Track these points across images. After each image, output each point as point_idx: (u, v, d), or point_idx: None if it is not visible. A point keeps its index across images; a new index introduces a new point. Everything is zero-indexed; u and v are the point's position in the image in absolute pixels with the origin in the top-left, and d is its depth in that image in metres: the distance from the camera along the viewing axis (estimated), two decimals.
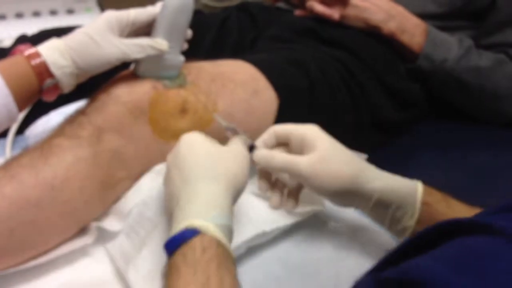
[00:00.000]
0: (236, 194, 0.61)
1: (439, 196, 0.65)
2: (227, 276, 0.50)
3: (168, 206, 0.60)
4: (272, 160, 0.65)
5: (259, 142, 0.68)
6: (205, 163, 0.59)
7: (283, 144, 0.68)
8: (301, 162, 0.63)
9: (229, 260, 0.52)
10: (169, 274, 0.50)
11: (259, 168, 0.70)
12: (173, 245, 0.52)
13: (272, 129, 0.68)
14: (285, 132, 0.67)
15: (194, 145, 0.62)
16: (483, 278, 0.36)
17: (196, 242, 0.51)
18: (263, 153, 0.66)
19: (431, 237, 0.43)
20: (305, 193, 0.70)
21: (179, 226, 0.53)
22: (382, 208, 0.65)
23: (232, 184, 0.59)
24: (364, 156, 0.82)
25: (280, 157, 0.65)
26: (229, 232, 0.55)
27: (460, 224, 0.42)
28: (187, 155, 0.60)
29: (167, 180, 0.61)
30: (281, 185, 0.70)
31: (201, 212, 0.54)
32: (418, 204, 0.63)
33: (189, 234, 0.52)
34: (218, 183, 0.58)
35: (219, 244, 0.52)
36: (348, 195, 0.65)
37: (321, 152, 0.64)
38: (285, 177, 0.69)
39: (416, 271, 0.38)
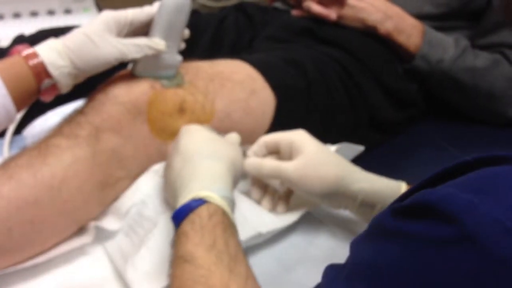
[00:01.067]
0: (235, 179, 0.63)
1: None
2: (232, 239, 0.52)
3: (170, 191, 0.61)
4: (261, 168, 0.69)
5: (250, 152, 0.71)
6: (206, 144, 0.63)
7: (274, 152, 0.72)
8: (288, 167, 0.67)
9: (233, 227, 0.54)
10: (177, 241, 0.52)
11: (251, 177, 0.73)
12: (181, 215, 0.54)
13: (262, 140, 0.72)
14: (274, 140, 0.71)
15: (194, 131, 0.65)
16: (497, 194, 0.36)
17: (202, 209, 0.53)
18: (253, 161, 0.70)
19: (449, 174, 0.44)
20: (298, 195, 0.72)
21: (185, 199, 0.55)
22: (368, 208, 0.67)
23: (232, 166, 0.62)
24: (361, 148, 0.83)
25: (269, 164, 0.68)
26: (232, 204, 0.57)
27: (479, 159, 0.42)
28: (188, 139, 0.63)
29: (168, 168, 0.64)
30: (272, 191, 0.74)
31: (205, 185, 0.56)
32: None
33: (196, 203, 0.54)
34: (220, 162, 0.61)
35: (223, 212, 0.54)
36: (335, 196, 0.68)
37: (307, 156, 0.67)
38: (275, 183, 0.73)
39: (428, 195, 0.39)
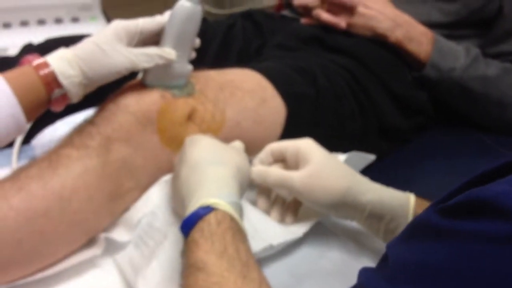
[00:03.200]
0: (242, 185, 0.62)
1: None
2: (242, 245, 0.52)
3: (178, 201, 0.61)
4: (267, 177, 0.68)
5: (256, 160, 0.71)
6: (211, 152, 0.62)
7: (281, 160, 0.71)
8: (294, 177, 0.66)
9: (242, 233, 0.54)
10: (187, 250, 0.52)
11: (258, 186, 0.72)
12: (189, 224, 0.53)
13: (269, 147, 0.71)
14: (280, 148, 0.70)
15: (198, 140, 0.65)
16: None
17: (211, 217, 0.53)
18: (259, 170, 0.69)
19: (494, 173, 0.43)
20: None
21: (192, 208, 0.54)
22: (375, 220, 0.66)
23: (238, 171, 0.61)
24: (372, 157, 0.82)
25: (275, 173, 0.68)
26: (240, 209, 0.57)
27: None
28: (193, 148, 0.63)
29: (175, 177, 0.63)
30: (281, 200, 0.73)
31: (212, 192, 0.56)
32: (410, 216, 0.65)
33: (203, 211, 0.53)
34: (226, 168, 0.60)
35: (232, 218, 0.54)
36: (342, 207, 0.66)
37: (313, 166, 0.66)
38: (283, 192, 0.71)
39: (483, 192, 0.38)
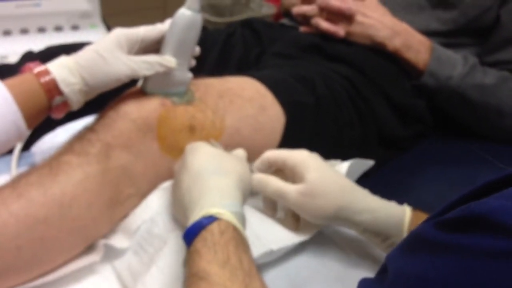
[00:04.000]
0: (244, 194, 0.63)
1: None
2: (245, 255, 0.52)
3: (179, 209, 0.61)
4: (266, 187, 0.69)
5: (254, 168, 0.71)
6: (213, 161, 0.62)
7: (279, 169, 0.71)
8: (289, 192, 0.67)
9: (245, 243, 0.54)
10: (190, 259, 0.52)
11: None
12: (192, 234, 0.53)
13: (265, 156, 0.71)
14: (277, 159, 0.70)
15: (199, 149, 0.65)
16: None
17: (214, 226, 0.53)
18: (259, 178, 0.69)
19: (491, 187, 0.43)
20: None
21: (195, 217, 0.55)
22: (372, 234, 0.67)
23: (240, 181, 0.62)
24: (371, 162, 0.82)
25: (273, 184, 0.68)
26: (243, 219, 0.57)
27: None
28: (194, 157, 0.63)
29: (176, 186, 0.63)
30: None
31: (215, 202, 0.56)
32: (404, 234, 0.65)
33: (207, 221, 0.54)
34: (228, 178, 0.60)
35: (235, 228, 0.54)
36: (336, 222, 0.68)
37: (308, 184, 0.66)
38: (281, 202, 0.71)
39: (479, 206, 0.38)
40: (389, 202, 0.68)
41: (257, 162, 0.71)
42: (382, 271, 0.46)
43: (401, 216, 0.66)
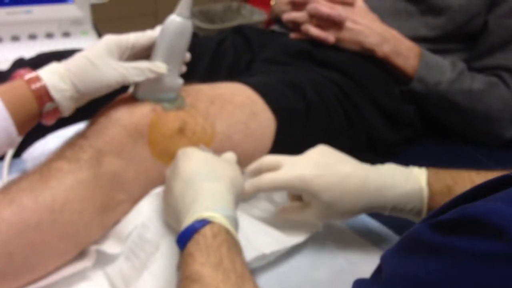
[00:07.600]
0: (236, 197, 0.63)
1: (443, 188, 0.69)
2: (237, 258, 0.52)
3: (172, 215, 0.62)
4: (259, 182, 0.68)
5: (246, 172, 0.71)
6: (205, 166, 0.63)
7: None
8: (311, 213, 0.70)
9: (238, 246, 0.55)
10: (183, 262, 0.52)
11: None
12: (185, 237, 0.54)
13: (260, 161, 0.71)
14: (273, 163, 0.70)
15: (191, 154, 0.66)
16: None
17: (206, 230, 0.54)
18: (250, 181, 0.69)
19: (487, 189, 0.43)
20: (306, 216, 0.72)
21: (188, 221, 0.55)
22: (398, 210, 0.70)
23: (233, 185, 0.62)
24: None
25: (266, 176, 0.68)
26: (236, 223, 0.58)
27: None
28: (186, 163, 0.64)
29: (168, 191, 0.64)
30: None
31: (208, 206, 0.57)
32: (425, 209, 0.69)
33: (199, 224, 0.54)
34: (220, 182, 0.61)
35: (227, 231, 0.54)
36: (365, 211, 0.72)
37: (324, 205, 0.68)
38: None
39: (473, 209, 0.38)
40: (399, 168, 0.73)
41: (251, 167, 0.71)
42: (377, 272, 0.47)
43: (419, 193, 0.69)
